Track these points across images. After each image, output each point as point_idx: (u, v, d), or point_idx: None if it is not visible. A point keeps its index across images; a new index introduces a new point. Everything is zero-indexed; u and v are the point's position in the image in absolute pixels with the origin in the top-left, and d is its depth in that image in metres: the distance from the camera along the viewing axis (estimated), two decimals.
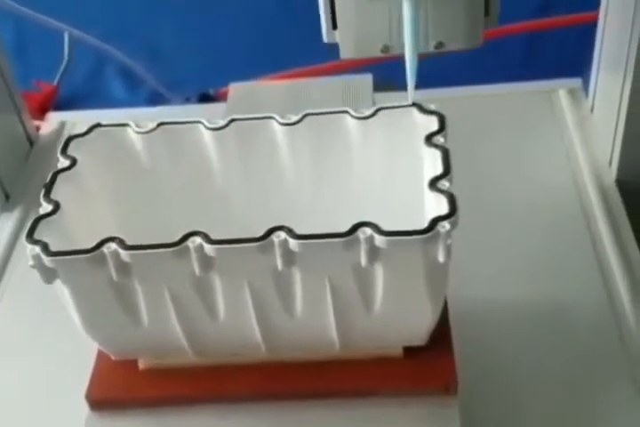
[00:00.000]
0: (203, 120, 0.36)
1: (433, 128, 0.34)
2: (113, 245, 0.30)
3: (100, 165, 0.35)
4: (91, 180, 0.35)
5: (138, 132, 0.36)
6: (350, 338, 0.34)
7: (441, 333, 0.35)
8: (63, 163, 0.34)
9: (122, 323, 0.33)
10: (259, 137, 0.36)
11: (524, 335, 0.41)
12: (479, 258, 0.43)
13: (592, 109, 0.53)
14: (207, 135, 0.36)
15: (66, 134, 0.53)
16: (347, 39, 0.36)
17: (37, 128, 0.58)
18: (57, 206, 0.32)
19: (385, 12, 0.35)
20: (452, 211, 0.30)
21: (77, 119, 0.58)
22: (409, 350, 0.35)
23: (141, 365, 0.36)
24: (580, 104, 0.54)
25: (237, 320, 0.33)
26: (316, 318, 0.33)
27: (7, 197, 0.52)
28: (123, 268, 0.30)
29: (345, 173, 0.36)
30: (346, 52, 0.36)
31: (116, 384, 0.35)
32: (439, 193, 0.31)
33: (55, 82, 0.68)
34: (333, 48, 0.37)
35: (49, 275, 0.31)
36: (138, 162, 0.36)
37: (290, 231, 0.30)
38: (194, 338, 0.34)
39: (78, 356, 0.36)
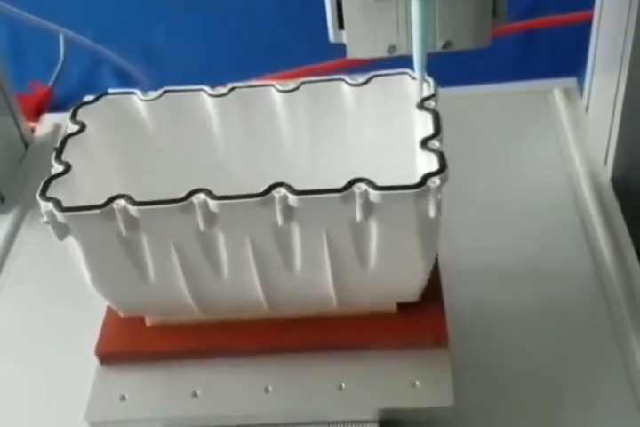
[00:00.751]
0: (205, 87, 0.38)
1: (425, 94, 0.36)
2: (122, 202, 0.32)
3: (107, 131, 0.37)
4: (98, 144, 0.36)
5: (143, 100, 0.37)
6: (346, 294, 0.36)
7: (432, 289, 0.37)
8: (72, 128, 0.36)
9: (130, 279, 0.35)
10: (258, 104, 0.38)
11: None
12: (472, 258, 0.44)
13: (587, 109, 0.53)
14: (209, 102, 0.37)
15: (61, 136, 0.54)
16: (353, 39, 0.36)
17: (32, 130, 0.58)
18: (68, 168, 0.34)
19: (392, 12, 0.35)
20: (442, 168, 0.32)
21: None
22: (402, 306, 0.37)
23: (148, 322, 0.38)
24: (575, 104, 0.54)
25: (240, 277, 0.35)
26: (314, 274, 0.35)
27: (2, 198, 0.52)
28: (131, 223, 0.32)
29: (340, 138, 0.38)
30: (353, 53, 0.36)
31: (124, 339, 0.37)
32: (430, 152, 0.33)
33: (50, 83, 0.68)
34: (338, 47, 0.37)
35: (61, 231, 0.32)
36: (143, 128, 0.38)
37: (289, 188, 0.32)
38: (199, 295, 0.36)
39: (79, 357, 0.38)
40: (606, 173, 0.49)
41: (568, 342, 0.40)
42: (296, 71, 0.65)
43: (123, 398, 0.36)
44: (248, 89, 0.38)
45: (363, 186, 0.31)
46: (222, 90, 0.38)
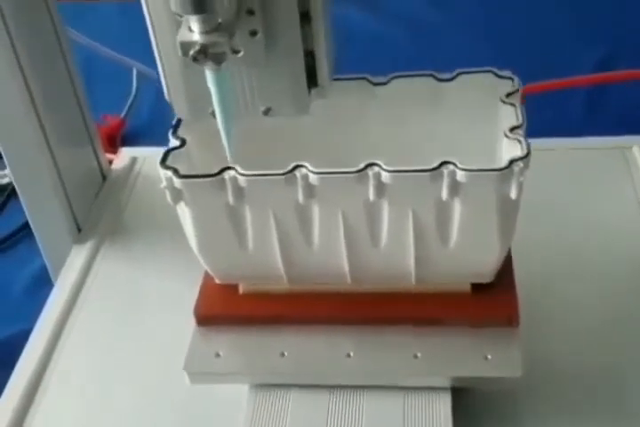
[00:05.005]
0: None
1: (508, 90, 0.39)
2: (232, 172, 0.35)
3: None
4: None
5: None
6: (425, 271, 0.39)
7: (505, 271, 0.40)
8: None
9: (231, 246, 0.38)
10: (349, 96, 0.41)
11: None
12: (550, 318, 0.44)
13: None
14: None
15: (137, 170, 0.58)
16: (178, 101, 0.36)
17: (110, 162, 0.59)
18: (183, 143, 0.38)
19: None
20: (527, 153, 0.34)
21: (148, 155, 0.58)
22: (475, 287, 0.40)
23: (241, 289, 0.41)
24: None
25: (329, 249, 0.38)
26: (397, 250, 0.38)
27: (79, 229, 0.53)
28: (238, 192, 0.36)
29: (427, 128, 0.41)
30: (180, 113, 0.37)
31: (218, 303, 0.41)
32: (515, 140, 0.36)
33: (122, 115, 0.70)
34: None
35: (176, 196, 0.36)
36: None
37: (382, 166, 0.35)
38: (290, 264, 0.39)
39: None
40: None
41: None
42: None
43: (217, 355, 0.39)
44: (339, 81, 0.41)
45: (451, 166, 0.34)
46: None
